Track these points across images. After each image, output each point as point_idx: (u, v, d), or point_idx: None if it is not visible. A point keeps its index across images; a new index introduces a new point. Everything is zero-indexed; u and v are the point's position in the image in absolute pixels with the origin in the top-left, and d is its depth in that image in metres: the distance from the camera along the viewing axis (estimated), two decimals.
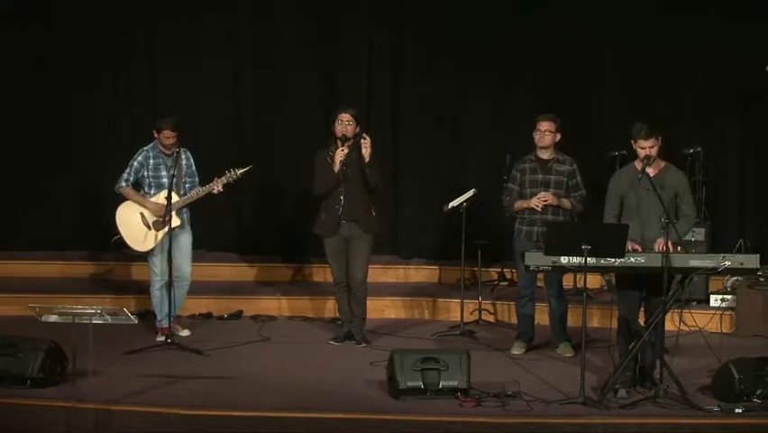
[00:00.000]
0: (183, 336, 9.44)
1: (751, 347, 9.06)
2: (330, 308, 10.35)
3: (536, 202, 9.01)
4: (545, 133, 9.05)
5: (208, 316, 10.37)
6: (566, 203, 9.07)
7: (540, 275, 9.08)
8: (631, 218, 7.98)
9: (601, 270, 7.90)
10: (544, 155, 9.11)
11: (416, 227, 11.77)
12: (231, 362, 8.84)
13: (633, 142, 7.99)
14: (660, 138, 7.94)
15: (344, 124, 9.14)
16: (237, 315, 10.49)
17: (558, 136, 9.10)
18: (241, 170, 9.28)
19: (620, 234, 7.65)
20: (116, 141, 11.68)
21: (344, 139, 9.11)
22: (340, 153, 9.07)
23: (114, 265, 11.18)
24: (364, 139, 9.05)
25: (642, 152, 7.91)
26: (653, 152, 7.92)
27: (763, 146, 11.17)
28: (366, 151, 9.03)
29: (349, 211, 9.15)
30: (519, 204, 9.12)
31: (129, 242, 9.40)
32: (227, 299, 10.63)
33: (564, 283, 9.40)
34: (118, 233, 9.39)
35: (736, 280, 10.00)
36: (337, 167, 9.09)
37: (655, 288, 7.76)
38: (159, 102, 11.58)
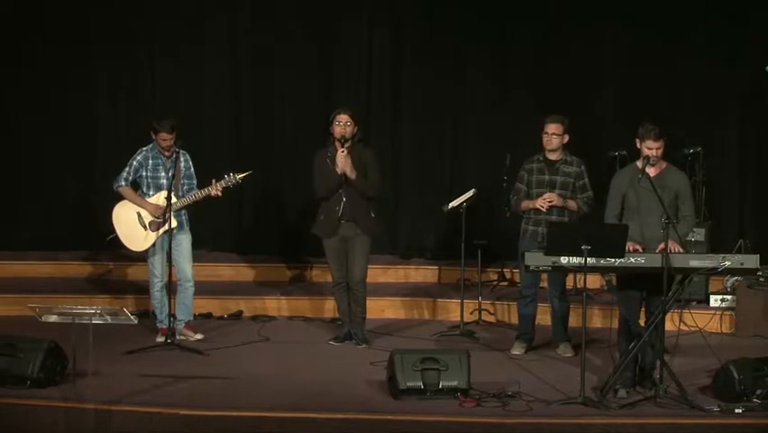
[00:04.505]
0: (196, 340, 9.40)
1: (751, 347, 9.06)
2: (330, 308, 10.35)
3: (541, 203, 9.01)
4: (553, 137, 9.04)
5: (208, 316, 10.37)
6: (572, 204, 9.06)
7: (544, 275, 9.08)
8: (631, 218, 7.98)
9: (601, 270, 7.90)
10: (552, 156, 9.11)
11: (415, 227, 11.78)
12: (231, 362, 8.84)
13: (639, 141, 7.96)
14: (665, 140, 7.96)
15: (342, 125, 9.13)
16: (237, 315, 10.49)
17: (566, 138, 9.09)
18: (240, 175, 9.27)
19: (620, 235, 7.64)
20: (116, 141, 11.70)
21: (343, 140, 9.11)
22: (341, 156, 9.06)
23: (114, 265, 11.19)
24: (342, 152, 9.05)
25: (648, 153, 7.89)
26: (659, 153, 7.92)
27: (763, 146, 11.17)
28: (343, 167, 9.03)
29: (349, 212, 9.15)
30: (525, 204, 9.12)
31: (124, 241, 9.40)
32: (227, 299, 10.63)
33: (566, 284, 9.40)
34: (114, 231, 9.39)
35: (736, 280, 9.99)
36: (339, 168, 9.08)
37: (655, 288, 7.75)
38: (158, 102, 11.59)
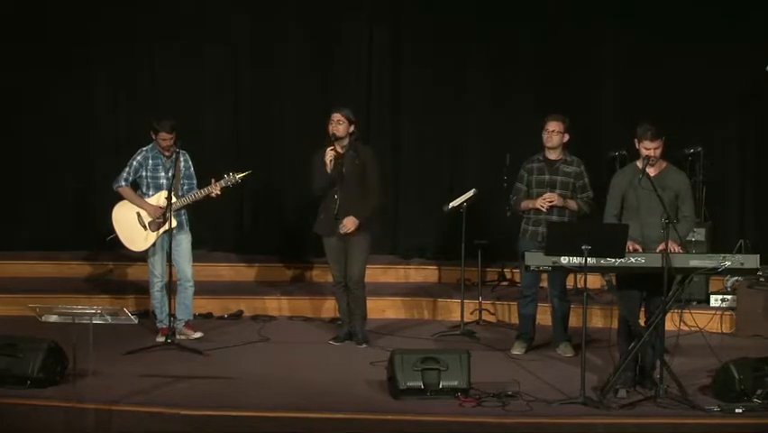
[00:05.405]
0: (195, 339, 9.41)
1: (751, 347, 9.06)
2: (329, 308, 10.35)
3: (541, 203, 9.00)
4: (553, 134, 9.04)
5: (208, 316, 10.36)
6: (572, 204, 9.06)
7: (544, 275, 9.08)
8: (631, 218, 7.97)
9: (601, 270, 7.89)
10: (552, 155, 9.11)
11: (415, 227, 11.77)
12: (231, 362, 8.84)
13: (637, 142, 7.98)
14: (663, 140, 7.95)
15: (335, 123, 9.16)
16: (237, 315, 10.49)
17: (566, 137, 9.09)
18: (239, 175, 9.27)
19: (620, 235, 7.64)
20: (116, 141, 11.70)
21: (335, 138, 9.13)
22: (330, 153, 9.09)
23: (114, 265, 11.19)
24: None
25: (646, 153, 7.90)
26: (658, 153, 7.92)
27: (763, 146, 11.17)
28: (346, 229, 9.11)
29: (345, 210, 9.14)
30: (525, 204, 9.12)
31: (124, 241, 9.40)
32: (227, 299, 10.63)
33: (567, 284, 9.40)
34: (114, 232, 9.39)
35: (736, 280, 9.99)
36: (329, 166, 9.10)
37: (656, 288, 7.75)
38: (158, 102, 11.59)
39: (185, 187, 9.37)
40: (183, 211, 9.37)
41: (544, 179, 9.09)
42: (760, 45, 10.72)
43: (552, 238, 7.79)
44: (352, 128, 9.20)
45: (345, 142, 9.17)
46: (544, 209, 9.01)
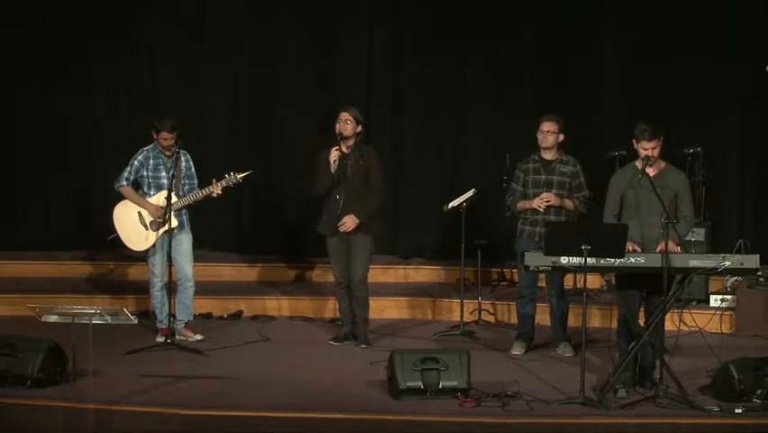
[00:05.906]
0: (196, 341, 9.40)
1: (751, 347, 9.06)
2: (330, 308, 10.35)
3: (538, 203, 9.01)
4: (548, 134, 9.05)
5: (208, 316, 10.37)
6: (569, 204, 9.06)
7: (542, 275, 9.08)
8: (631, 218, 7.98)
9: (601, 270, 7.89)
10: (548, 156, 9.11)
11: (415, 227, 11.77)
12: (231, 362, 8.84)
13: (635, 142, 7.99)
14: (661, 139, 7.96)
15: (342, 122, 9.16)
16: (237, 315, 10.49)
17: (561, 136, 9.09)
18: (240, 175, 9.27)
19: (620, 235, 7.64)
20: (116, 141, 11.70)
21: (341, 137, 9.13)
22: (334, 153, 9.08)
23: (114, 265, 11.19)
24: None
25: (644, 153, 7.91)
26: (656, 153, 7.93)
27: (763, 146, 11.17)
28: (346, 227, 9.09)
29: (347, 211, 9.14)
30: (522, 204, 9.12)
31: (125, 241, 9.40)
32: (227, 299, 10.63)
33: (565, 283, 9.39)
34: (115, 231, 9.39)
35: (736, 280, 9.99)
36: (332, 166, 9.10)
37: (655, 288, 7.75)
38: (158, 102, 11.59)
39: (186, 187, 9.37)
40: (184, 211, 9.37)
41: (541, 180, 9.09)
42: (760, 45, 10.72)
43: (551, 238, 7.79)
44: (359, 128, 9.20)
45: (351, 141, 9.16)
46: (541, 209, 9.01)
